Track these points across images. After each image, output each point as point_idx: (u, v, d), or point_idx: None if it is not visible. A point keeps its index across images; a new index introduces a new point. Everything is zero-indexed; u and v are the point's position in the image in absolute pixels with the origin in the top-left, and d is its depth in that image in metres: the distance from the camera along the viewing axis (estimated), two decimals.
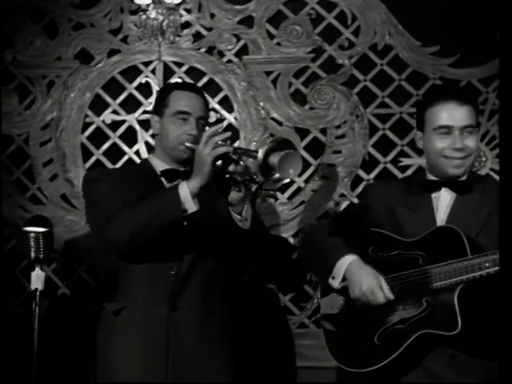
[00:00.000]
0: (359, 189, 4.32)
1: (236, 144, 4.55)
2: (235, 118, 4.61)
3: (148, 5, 4.63)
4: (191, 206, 2.42)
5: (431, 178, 2.55)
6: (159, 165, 2.73)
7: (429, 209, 2.50)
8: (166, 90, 2.81)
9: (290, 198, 4.48)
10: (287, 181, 2.38)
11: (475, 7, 4.35)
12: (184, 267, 2.58)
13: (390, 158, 4.44)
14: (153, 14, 4.65)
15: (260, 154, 2.26)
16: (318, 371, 3.69)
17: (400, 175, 4.40)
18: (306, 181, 4.48)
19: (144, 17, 4.66)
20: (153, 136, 2.77)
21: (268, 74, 4.63)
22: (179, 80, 4.64)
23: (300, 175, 4.41)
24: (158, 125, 2.75)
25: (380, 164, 4.45)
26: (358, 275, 2.41)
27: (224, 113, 4.62)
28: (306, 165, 4.46)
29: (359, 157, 4.45)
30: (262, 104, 4.59)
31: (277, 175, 2.31)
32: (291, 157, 2.29)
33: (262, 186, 3.96)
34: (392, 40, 4.53)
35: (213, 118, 4.60)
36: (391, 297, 2.39)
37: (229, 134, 2.46)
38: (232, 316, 2.76)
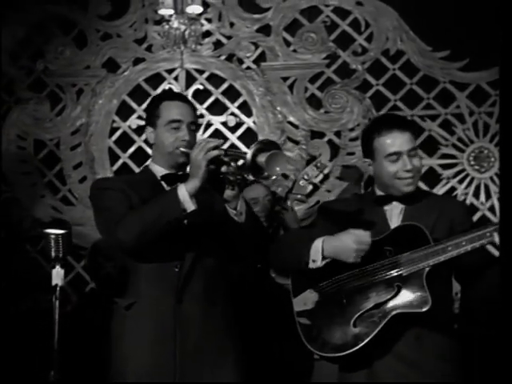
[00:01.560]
0: None
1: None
2: (254, 122, 4.82)
3: (171, 15, 4.84)
4: (190, 206, 2.59)
5: (380, 193, 2.79)
6: (159, 170, 2.87)
7: (383, 219, 2.73)
8: (156, 102, 2.95)
9: (306, 196, 4.66)
10: (274, 177, 2.56)
11: (483, 13, 4.48)
12: (186, 264, 2.74)
13: None
14: (175, 24, 4.85)
15: (248, 155, 2.43)
16: None
17: None
18: (322, 181, 4.68)
19: (167, 27, 4.86)
20: (149, 145, 2.94)
21: (285, 79, 4.83)
22: (201, 87, 4.89)
23: (315, 176, 4.62)
24: (152, 135, 2.90)
25: None
26: (339, 244, 2.60)
27: (243, 117, 4.83)
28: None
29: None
30: (279, 108, 4.79)
31: (265, 173, 2.48)
32: (277, 156, 2.46)
33: (292, 191, 4.19)
34: (403, 45, 4.71)
35: (232, 122, 4.84)
36: (369, 233, 2.58)
37: (221, 141, 2.66)
38: (234, 307, 2.90)
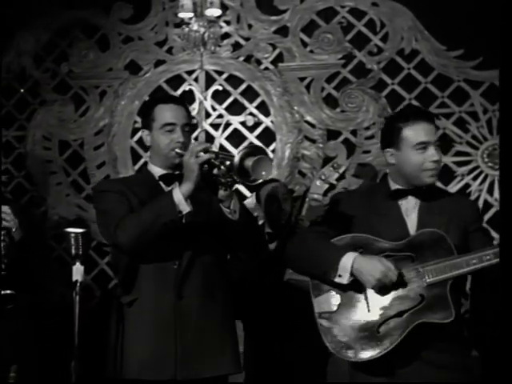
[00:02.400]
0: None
1: (272, 145, 4.90)
2: (272, 122, 4.93)
3: (190, 18, 4.96)
4: (185, 208, 2.72)
5: (396, 187, 2.80)
6: (156, 171, 2.98)
7: (398, 214, 2.76)
8: (150, 105, 3.04)
9: (323, 195, 4.76)
10: (260, 181, 2.63)
11: (496, 12, 4.53)
12: (184, 262, 2.86)
13: None
14: (195, 27, 4.97)
15: (236, 158, 2.55)
16: None
17: None
18: (338, 179, 4.74)
19: (187, 29, 4.98)
20: (146, 148, 3.05)
21: (302, 79, 4.93)
22: (220, 87, 5.00)
23: (332, 176, 4.72)
24: (148, 138, 2.99)
25: None
26: (366, 267, 2.62)
27: (261, 116, 4.94)
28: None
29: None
30: (296, 108, 4.90)
31: (252, 177, 2.58)
32: (263, 161, 2.57)
33: (310, 191, 4.28)
34: (418, 45, 4.79)
35: (251, 121, 4.96)
36: (398, 272, 2.60)
37: (209, 144, 2.79)
38: (234, 302, 3.03)
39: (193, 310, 2.86)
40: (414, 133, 2.70)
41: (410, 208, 2.78)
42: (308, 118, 4.88)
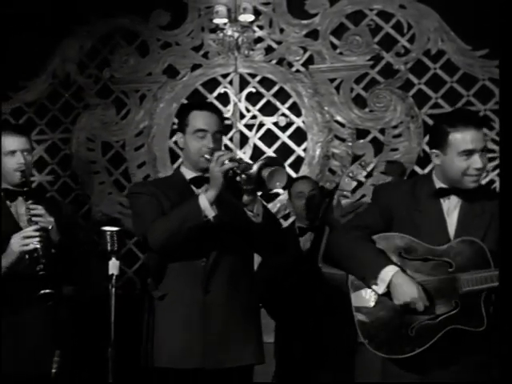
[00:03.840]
0: None
1: (304, 145, 5.08)
2: (303, 122, 5.10)
3: (225, 24, 5.18)
4: (210, 213, 2.86)
5: (441, 185, 2.82)
6: (188, 173, 3.12)
7: (440, 213, 2.79)
8: (185, 110, 3.17)
9: (352, 191, 4.93)
10: (276, 191, 2.80)
11: None
12: (211, 259, 3.00)
13: None
14: (229, 32, 5.18)
15: (254, 169, 2.72)
16: None
17: None
18: (367, 176, 4.92)
19: (222, 34, 5.20)
20: (181, 149, 3.21)
21: (332, 80, 5.10)
22: (253, 90, 5.19)
23: (360, 174, 4.89)
24: (182, 140, 3.13)
25: None
26: (402, 286, 2.69)
27: (293, 117, 5.12)
28: None
29: (414, 154, 4.86)
30: (326, 108, 5.07)
31: (268, 186, 2.73)
32: (278, 172, 2.72)
33: (339, 188, 4.45)
34: (444, 45, 4.92)
35: (283, 122, 5.14)
36: (428, 304, 2.69)
37: (233, 153, 2.95)
38: (256, 295, 3.17)
39: (218, 304, 2.99)
40: (461, 139, 2.67)
41: (451, 207, 2.80)
42: (338, 118, 5.04)
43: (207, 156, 2.98)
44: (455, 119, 2.72)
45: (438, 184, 2.81)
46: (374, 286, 2.75)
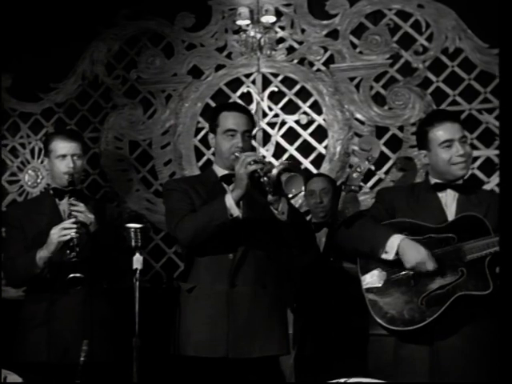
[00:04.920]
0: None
1: (325, 142, 5.20)
2: (324, 120, 5.21)
3: (248, 25, 5.30)
4: (235, 211, 3.03)
5: (435, 181, 3.07)
6: (219, 171, 3.31)
7: (439, 205, 3.04)
8: (216, 112, 3.36)
9: (372, 187, 5.04)
10: (291, 196, 2.93)
11: None
12: (239, 253, 3.18)
13: None
14: (252, 33, 5.30)
15: (274, 173, 2.89)
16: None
17: (470, 166, 4.85)
18: (386, 172, 5.04)
19: (244, 35, 5.32)
20: (208, 146, 3.36)
21: (351, 79, 5.20)
22: (275, 89, 5.31)
23: (380, 168, 5.01)
24: (213, 141, 3.32)
25: None
26: (410, 250, 2.89)
27: (314, 115, 5.23)
28: (386, 158, 5.05)
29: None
30: (346, 106, 5.17)
31: (283, 191, 2.91)
32: (295, 178, 2.87)
33: (347, 183, 4.56)
34: (462, 44, 4.99)
35: (304, 120, 5.26)
36: (436, 265, 2.88)
37: (257, 156, 3.08)
38: (282, 289, 3.33)
39: (244, 297, 3.15)
40: (439, 133, 2.99)
41: (449, 200, 3.03)
42: (358, 116, 5.14)
43: (237, 154, 3.14)
44: (431, 119, 3.09)
45: (433, 180, 3.08)
46: (383, 255, 2.96)
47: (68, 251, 3.27)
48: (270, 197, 3.03)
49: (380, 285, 3.02)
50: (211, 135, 3.34)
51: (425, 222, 3.00)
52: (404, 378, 2.74)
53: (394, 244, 2.93)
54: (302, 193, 3.00)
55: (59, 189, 3.54)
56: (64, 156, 3.48)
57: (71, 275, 3.26)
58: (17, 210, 3.69)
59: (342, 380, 2.64)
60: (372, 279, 3.04)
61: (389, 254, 2.95)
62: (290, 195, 2.94)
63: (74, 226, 3.30)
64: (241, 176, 3.00)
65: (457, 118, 3.11)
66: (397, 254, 2.93)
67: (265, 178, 2.95)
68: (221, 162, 3.32)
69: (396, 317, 2.94)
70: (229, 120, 3.25)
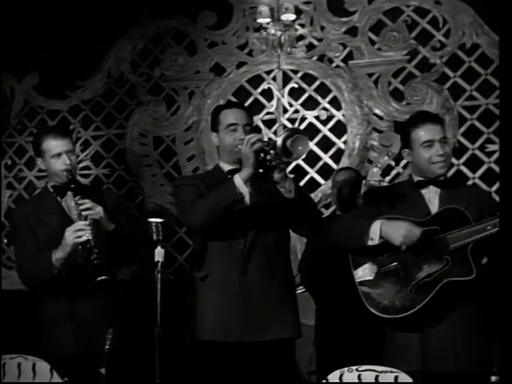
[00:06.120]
0: (450, 173, 4.89)
1: (344, 137, 5.30)
2: (343, 115, 5.31)
3: (268, 23, 5.40)
4: (244, 190, 3.14)
5: (418, 178, 3.20)
6: (225, 167, 3.40)
7: (422, 201, 3.16)
8: (216, 112, 3.47)
9: (391, 181, 5.12)
10: (303, 156, 3.08)
11: None
12: (248, 241, 3.27)
13: (477, 144, 5.02)
14: (272, 31, 5.40)
15: (279, 141, 3.00)
16: None
17: (486, 160, 4.98)
18: (405, 167, 5.12)
19: (265, 33, 5.42)
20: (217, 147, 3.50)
21: (370, 75, 5.29)
22: (296, 85, 5.42)
23: (399, 162, 5.09)
24: (216, 139, 3.44)
25: (469, 150, 5.04)
26: (392, 228, 3.02)
27: (333, 111, 5.34)
28: None
29: (450, 145, 4.97)
30: (365, 102, 5.27)
31: (293, 154, 3.02)
32: (299, 139, 3.01)
33: (367, 177, 4.65)
34: (479, 39, 5.07)
35: (324, 115, 5.36)
36: (422, 230, 2.98)
37: (260, 135, 3.21)
38: (292, 274, 3.45)
39: (255, 284, 3.26)
40: (420, 133, 3.12)
41: (432, 196, 3.15)
42: (376, 111, 5.23)
43: (240, 147, 3.22)
44: (414, 119, 3.25)
45: (416, 178, 3.22)
46: (369, 242, 3.08)
47: (86, 253, 3.28)
48: (276, 175, 3.14)
49: (372, 277, 3.14)
50: (214, 134, 3.46)
51: (409, 216, 3.11)
52: (398, 365, 2.84)
53: (377, 228, 3.05)
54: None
55: (59, 186, 3.51)
56: (59, 154, 3.45)
57: (98, 278, 3.26)
58: (22, 212, 3.66)
59: (354, 367, 2.74)
60: (364, 273, 3.17)
61: (374, 240, 3.07)
62: (301, 155, 3.06)
63: (88, 227, 3.29)
64: (247, 156, 3.11)
65: (438, 119, 3.23)
66: (381, 237, 3.06)
67: (271, 152, 3.07)
68: (226, 158, 3.43)
69: (388, 306, 3.07)
70: (229, 116, 3.38)
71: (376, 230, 3.06)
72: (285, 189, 3.17)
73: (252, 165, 3.13)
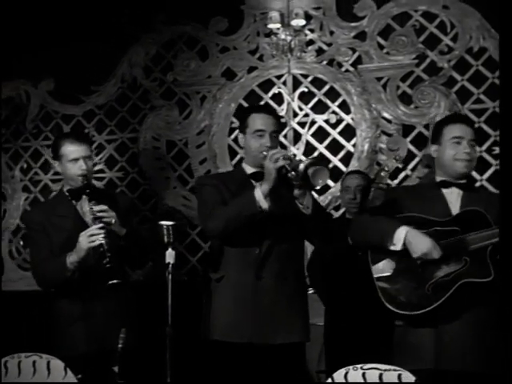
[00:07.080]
0: None
1: (353, 140, 5.37)
2: (352, 119, 5.38)
3: (278, 28, 5.49)
4: (264, 204, 3.21)
5: (441, 178, 3.25)
6: (248, 169, 3.47)
7: (443, 201, 3.20)
8: (245, 113, 3.52)
9: (399, 183, 5.19)
10: (318, 187, 3.16)
11: None
12: (264, 248, 3.35)
13: (484, 147, 5.07)
14: (283, 36, 5.49)
15: (301, 167, 3.08)
16: None
17: (494, 162, 5.03)
18: (413, 169, 5.20)
19: (275, 38, 5.51)
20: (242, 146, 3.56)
21: (379, 79, 5.36)
22: (305, 89, 5.49)
23: (407, 165, 5.16)
24: (243, 140, 3.49)
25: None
26: (416, 240, 3.04)
27: (343, 114, 5.40)
28: (413, 156, 5.22)
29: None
30: (374, 105, 5.33)
31: (312, 183, 3.09)
32: (321, 171, 3.08)
33: (375, 181, 4.73)
34: (486, 43, 5.13)
35: (333, 119, 5.43)
36: (442, 253, 3.02)
37: (285, 152, 3.27)
38: (304, 281, 3.54)
39: (268, 289, 3.34)
40: (452, 129, 3.19)
41: (453, 197, 3.20)
42: (385, 115, 5.29)
43: (265, 153, 3.30)
44: (450, 117, 3.48)
45: (439, 178, 3.26)
46: (392, 247, 3.11)
47: (99, 257, 3.33)
48: (296, 191, 3.22)
49: (389, 273, 3.18)
50: (241, 135, 3.51)
51: (430, 216, 3.17)
52: (412, 364, 2.88)
53: (401, 235, 3.07)
54: (332, 183, 3.16)
55: (74, 190, 3.58)
56: (76, 159, 3.52)
57: (110, 282, 3.32)
58: (36, 214, 3.70)
59: (359, 366, 2.81)
60: (382, 268, 3.20)
61: (396, 246, 3.10)
62: (318, 187, 3.12)
63: (102, 231, 3.34)
64: (270, 171, 3.18)
65: (472, 123, 3.33)
66: (404, 244, 3.08)
67: (292, 173, 3.14)
68: (250, 161, 3.49)
69: (405, 302, 3.10)
70: (257, 121, 3.42)
71: (400, 238, 3.08)
72: (303, 205, 3.24)
73: (273, 180, 3.20)
